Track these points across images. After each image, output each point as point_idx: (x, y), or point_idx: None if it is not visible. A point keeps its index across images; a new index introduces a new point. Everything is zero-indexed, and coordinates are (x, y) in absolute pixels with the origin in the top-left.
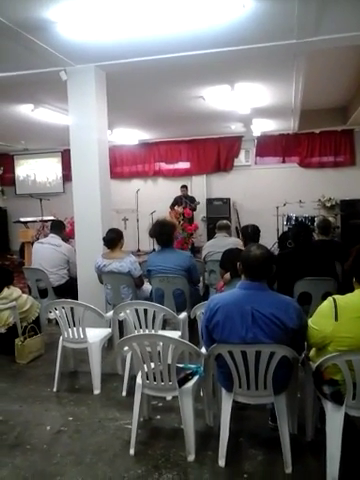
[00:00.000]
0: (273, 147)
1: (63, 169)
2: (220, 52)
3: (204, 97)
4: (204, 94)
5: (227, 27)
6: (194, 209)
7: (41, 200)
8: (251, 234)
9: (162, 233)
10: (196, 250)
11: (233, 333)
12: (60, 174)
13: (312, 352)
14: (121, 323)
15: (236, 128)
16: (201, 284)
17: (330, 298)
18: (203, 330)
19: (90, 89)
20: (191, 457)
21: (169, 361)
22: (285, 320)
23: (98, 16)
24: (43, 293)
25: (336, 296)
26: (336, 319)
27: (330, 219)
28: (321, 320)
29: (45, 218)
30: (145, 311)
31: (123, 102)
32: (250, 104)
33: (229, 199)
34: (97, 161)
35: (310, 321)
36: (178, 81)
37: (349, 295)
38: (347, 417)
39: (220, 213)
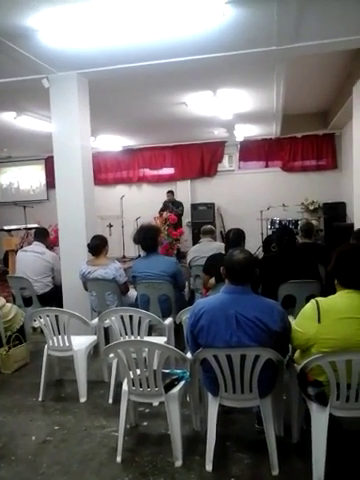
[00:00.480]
0: (256, 152)
1: (47, 176)
2: (201, 59)
3: (187, 103)
4: (187, 100)
5: (208, 34)
6: (180, 214)
7: (25, 208)
8: (234, 238)
9: (146, 238)
10: (182, 255)
11: (218, 337)
12: (44, 181)
13: (296, 354)
14: (107, 330)
15: (219, 133)
16: (186, 289)
17: (313, 300)
18: (188, 335)
19: (73, 96)
20: (178, 462)
21: (155, 367)
22: (269, 323)
23: (80, 24)
24: (27, 301)
25: (319, 298)
26: (319, 321)
27: (313, 222)
28: (304, 322)
29: (29, 226)
30: (130, 317)
31: (106, 109)
32: (232, 110)
33: (213, 204)
34: (80, 168)
35: (294, 323)
36: (161, 87)
37: (331, 297)
38: (332, 417)
39: (205, 218)
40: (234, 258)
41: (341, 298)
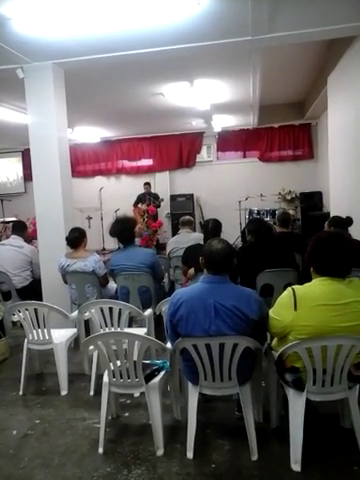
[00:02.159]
0: (234, 142)
1: (24, 169)
2: (177, 49)
3: (164, 94)
4: (164, 91)
5: (183, 24)
6: (158, 206)
7: (2, 201)
8: (212, 229)
9: (123, 230)
10: (161, 247)
11: (197, 326)
12: (21, 174)
13: (274, 341)
14: (87, 322)
15: (197, 124)
16: (166, 280)
17: (289, 288)
18: (167, 325)
19: (48, 87)
20: (160, 451)
21: (135, 358)
22: (247, 311)
23: (54, 12)
24: (6, 296)
25: (295, 286)
26: (295, 309)
27: (290, 212)
28: (281, 310)
29: (7, 219)
30: (110, 309)
31: (83, 100)
32: (210, 100)
33: (192, 195)
34: (58, 159)
35: (271, 311)
36: (137, 78)
37: (307, 285)
38: (309, 402)
39: (184, 209)
40: (212, 248)
41: (316, 286)
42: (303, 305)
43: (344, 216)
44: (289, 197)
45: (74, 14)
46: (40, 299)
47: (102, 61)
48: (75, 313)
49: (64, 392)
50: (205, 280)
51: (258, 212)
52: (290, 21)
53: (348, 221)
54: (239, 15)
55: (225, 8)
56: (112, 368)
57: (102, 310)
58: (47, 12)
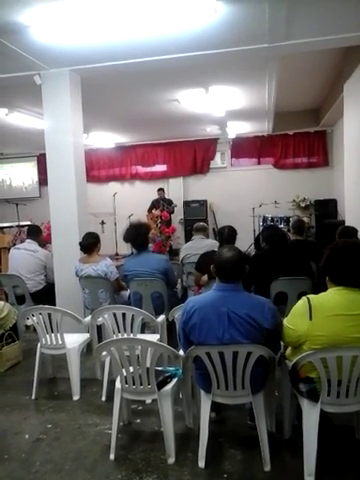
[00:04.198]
0: (248, 149)
1: (39, 173)
2: (194, 56)
3: (179, 100)
4: (179, 97)
5: (200, 31)
6: (172, 212)
7: (17, 205)
8: (227, 236)
9: (137, 235)
10: (174, 252)
11: (210, 335)
12: (36, 179)
13: (288, 351)
14: (100, 328)
15: (211, 130)
16: (179, 286)
17: (304, 298)
18: (180, 333)
19: (65, 93)
20: (171, 459)
21: (148, 364)
22: (260, 320)
23: (72, 20)
24: (20, 299)
25: (310, 296)
26: (310, 318)
27: (305, 219)
28: (296, 319)
29: (21, 223)
30: (123, 315)
31: (99, 105)
32: (225, 107)
33: (206, 201)
34: (73, 165)
35: (285, 321)
36: (153, 85)
37: (323, 294)
38: (323, 413)
39: (197, 215)
40: (223, 256)
41: (332, 295)
42: (318, 315)
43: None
44: (303, 204)
45: (91, 21)
46: (53, 303)
47: (118, 68)
48: (88, 318)
49: (76, 397)
50: (218, 288)
51: (272, 219)
52: (307, 29)
53: (353, 231)
54: (256, 23)
55: (242, 15)
56: (125, 374)
57: (115, 315)
58: (65, 20)
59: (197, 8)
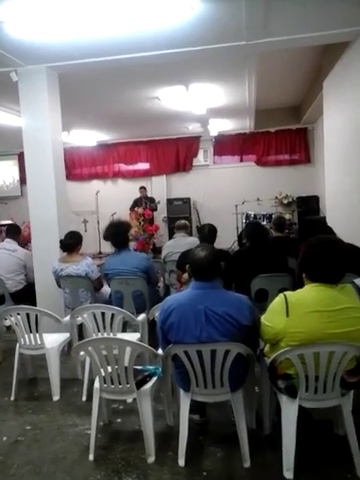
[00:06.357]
0: (230, 146)
1: (20, 172)
2: (171, 53)
3: (160, 98)
4: (159, 95)
5: (177, 29)
6: (155, 209)
7: None
8: (207, 233)
9: (117, 234)
10: (158, 250)
11: (188, 333)
12: (17, 177)
13: (266, 348)
14: (81, 327)
15: (194, 128)
16: (162, 284)
17: (281, 295)
18: (159, 332)
19: (42, 90)
20: (151, 459)
21: (126, 364)
22: (238, 317)
23: (47, 16)
24: (0, 300)
25: (287, 293)
26: (287, 315)
27: (287, 216)
28: (273, 317)
29: (2, 222)
30: (103, 314)
31: (79, 103)
32: (205, 104)
33: (189, 199)
34: (52, 162)
35: (263, 318)
36: (133, 82)
37: (299, 291)
38: (303, 409)
39: (181, 213)
40: (196, 256)
41: (309, 292)
42: (295, 311)
43: (340, 220)
44: (286, 201)
45: (68, 18)
46: (34, 303)
47: (96, 65)
48: (67, 318)
49: (56, 398)
50: (195, 286)
51: (255, 216)
52: (284, 26)
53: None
54: (233, 20)
55: (218, 13)
56: (103, 374)
57: (94, 315)
58: (40, 15)
59: (173, 5)
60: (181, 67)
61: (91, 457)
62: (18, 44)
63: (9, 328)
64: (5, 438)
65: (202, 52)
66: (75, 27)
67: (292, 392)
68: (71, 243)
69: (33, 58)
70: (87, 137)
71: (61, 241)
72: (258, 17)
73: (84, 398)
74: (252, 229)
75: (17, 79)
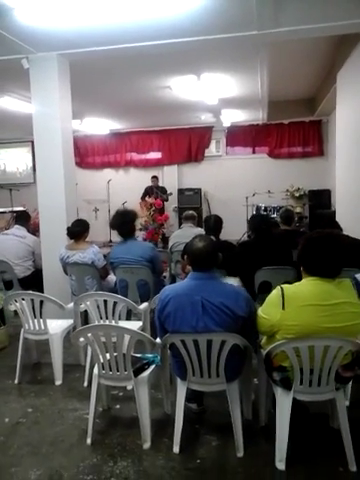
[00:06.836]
0: (243, 137)
1: (33, 159)
2: (181, 42)
3: (171, 87)
4: (171, 84)
5: (187, 17)
6: (166, 199)
7: (11, 190)
8: (213, 224)
9: (124, 223)
10: (167, 240)
11: (184, 323)
12: (30, 164)
13: (263, 340)
14: (86, 314)
15: (206, 118)
16: (167, 274)
17: (278, 287)
18: (156, 321)
19: (53, 77)
20: (147, 445)
21: (124, 351)
22: (234, 308)
23: (59, 3)
24: (8, 285)
25: (284, 285)
26: (283, 308)
27: (298, 209)
28: (269, 309)
29: (15, 209)
30: (105, 302)
31: (91, 91)
32: (217, 94)
33: (200, 189)
34: (61, 150)
35: (259, 310)
36: (144, 71)
37: (297, 284)
38: (298, 402)
39: (191, 203)
40: (194, 246)
41: (306, 285)
42: (291, 304)
43: (350, 215)
44: (297, 194)
45: (79, 5)
46: (41, 289)
47: (107, 53)
48: (71, 304)
49: (58, 382)
50: (193, 277)
51: (265, 208)
52: (296, 16)
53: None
54: (244, 9)
55: (229, 1)
56: (102, 360)
57: (97, 302)
58: (51, 2)
59: None
60: (193, 56)
61: (89, 441)
62: (29, 31)
63: (17, 313)
64: (7, 419)
65: (212, 41)
66: (87, 15)
67: (287, 384)
68: (78, 231)
69: (44, 45)
70: (100, 125)
71: (68, 228)
72: (269, 7)
73: (85, 383)
74: (256, 221)
75: (28, 66)
